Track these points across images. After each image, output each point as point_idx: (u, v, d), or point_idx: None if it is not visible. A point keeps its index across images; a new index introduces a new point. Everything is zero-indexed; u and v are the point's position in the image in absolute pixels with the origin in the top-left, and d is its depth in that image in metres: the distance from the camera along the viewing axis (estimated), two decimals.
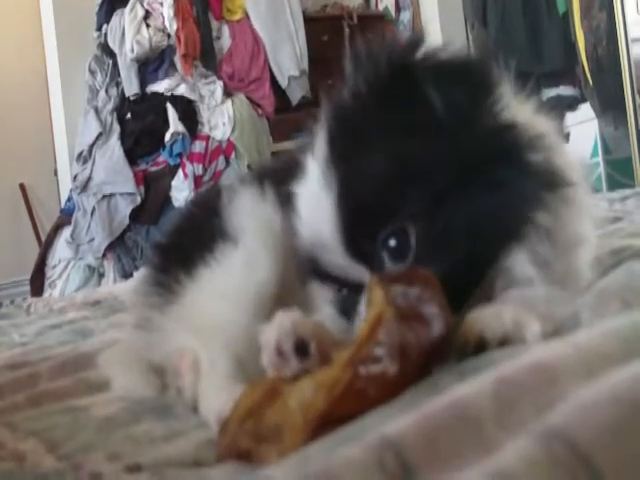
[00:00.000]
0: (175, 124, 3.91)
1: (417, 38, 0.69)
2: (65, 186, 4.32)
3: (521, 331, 0.59)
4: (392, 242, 0.65)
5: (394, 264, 0.65)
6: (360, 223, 0.66)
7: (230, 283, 0.83)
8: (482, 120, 0.66)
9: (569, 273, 0.71)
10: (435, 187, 0.64)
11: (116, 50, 4.07)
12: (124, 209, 3.85)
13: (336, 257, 0.68)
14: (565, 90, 3.97)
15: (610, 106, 3.66)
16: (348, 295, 0.71)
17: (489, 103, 0.66)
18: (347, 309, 0.71)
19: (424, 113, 0.65)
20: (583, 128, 3.69)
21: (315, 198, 0.68)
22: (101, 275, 3.88)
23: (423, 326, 0.56)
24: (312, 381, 0.56)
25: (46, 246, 4.09)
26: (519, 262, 0.66)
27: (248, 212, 0.86)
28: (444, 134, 0.64)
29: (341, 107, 0.70)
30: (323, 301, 0.75)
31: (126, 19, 4.03)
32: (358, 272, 0.68)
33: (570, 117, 3.77)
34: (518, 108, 0.69)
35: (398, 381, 0.54)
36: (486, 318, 0.60)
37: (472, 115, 0.65)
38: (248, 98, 4.26)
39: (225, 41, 4.38)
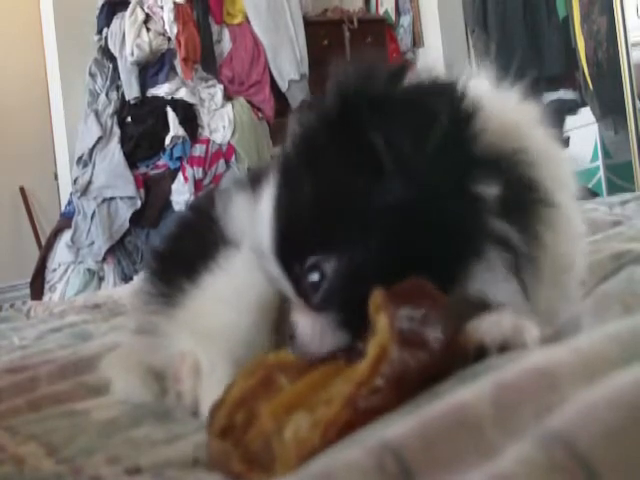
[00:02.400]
0: (175, 128, 3.92)
1: (371, 69, 0.68)
2: (65, 190, 4.32)
3: (521, 336, 0.59)
4: (312, 273, 0.65)
5: (314, 295, 0.66)
6: (288, 249, 0.67)
7: (231, 287, 0.83)
8: (421, 158, 0.62)
9: (556, 301, 0.68)
10: (364, 229, 0.63)
11: (116, 54, 4.07)
12: (124, 213, 3.85)
13: (273, 272, 0.69)
14: (565, 94, 3.98)
15: (610, 110, 3.66)
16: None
17: (439, 143, 0.61)
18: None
19: (365, 153, 0.63)
20: (583, 132, 3.70)
21: (263, 212, 0.69)
22: (101, 279, 3.88)
23: (425, 351, 0.56)
24: (309, 417, 0.55)
25: (46, 250, 4.09)
26: (489, 289, 0.63)
27: (248, 215, 0.86)
28: (382, 176, 0.62)
29: (299, 132, 0.70)
30: None
31: (126, 23, 4.03)
32: (287, 287, 0.69)
33: (570, 121, 3.78)
34: (503, 122, 0.65)
35: (394, 405, 0.54)
36: (485, 325, 0.60)
37: (416, 158, 0.62)
38: (248, 102, 4.26)
39: (225, 45, 4.38)
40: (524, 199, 0.63)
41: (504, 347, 0.58)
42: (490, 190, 0.62)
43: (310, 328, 0.67)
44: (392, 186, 0.62)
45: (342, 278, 0.64)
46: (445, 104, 0.63)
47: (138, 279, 1.13)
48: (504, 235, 0.62)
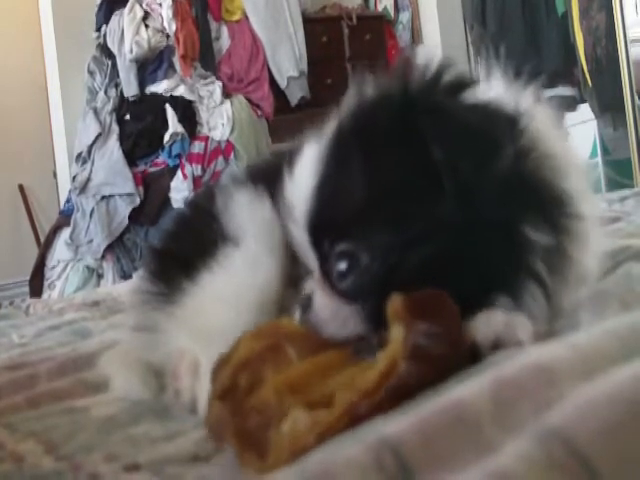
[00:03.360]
0: (174, 125, 3.91)
1: (436, 75, 0.68)
2: (64, 187, 4.31)
3: (513, 332, 0.59)
4: (343, 258, 0.66)
5: (338, 279, 0.66)
6: (323, 226, 0.67)
7: (231, 285, 0.83)
8: (483, 187, 0.62)
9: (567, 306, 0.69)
10: (406, 233, 0.63)
11: (115, 51, 4.07)
12: (123, 210, 3.85)
13: (301, 239, 0.70)
14: (564, 91, 3.97)
15: (609, 107, 3.66)
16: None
17: (492, 171, 0.62)
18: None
19: (424, 161, 0.63)
20: (582, 129, 3.70)
21: (303, 179, 0.69)
22: (100, 276, 3.88)
23: (431, 367, 0.56)
24: (308, 417, 0.55)
25: (45, 247, 4.09)
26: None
27: (248, 212, 0.86)
28: (438, 189, 0.62)
29: (359, 111, 0.69)
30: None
31: (125, 20, 4.02)
32: (311, 261, 0.69)
33: (569, 118, 3.77)
34: (551, 155, 0.66)
35: (387, 411, 0.54)
36: (476, 323, 0.60)
37: (477, 186, 0.62)
38: (247, 99, 4.26)
39: (224, 42, 4.37)
40: (560, 223, 0.65)
41: (497, 345, 0.58)
42: (542, 239, 0.63)
43: (328, 309, 0.67)
44: (447, 204, 0.62)
45: (373, 274, 0.64)
46: (511, 137, 0.63)
47: (137, 276, 1.13)
48: (540, 275, 0.63)
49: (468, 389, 0.47)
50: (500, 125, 0.64)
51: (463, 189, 0.62)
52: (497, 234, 0.63)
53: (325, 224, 0.67)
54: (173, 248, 0.94)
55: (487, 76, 0.71)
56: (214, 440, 0.61)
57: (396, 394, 0.54)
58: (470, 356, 0.58)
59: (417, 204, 0.64)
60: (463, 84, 0.68)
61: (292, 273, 0.82)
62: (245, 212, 0.86)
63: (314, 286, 0.69)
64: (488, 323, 0.60)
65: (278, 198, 0.83)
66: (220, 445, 0.60)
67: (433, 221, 0.63)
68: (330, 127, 0.70)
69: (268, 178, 0.88)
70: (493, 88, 0.69)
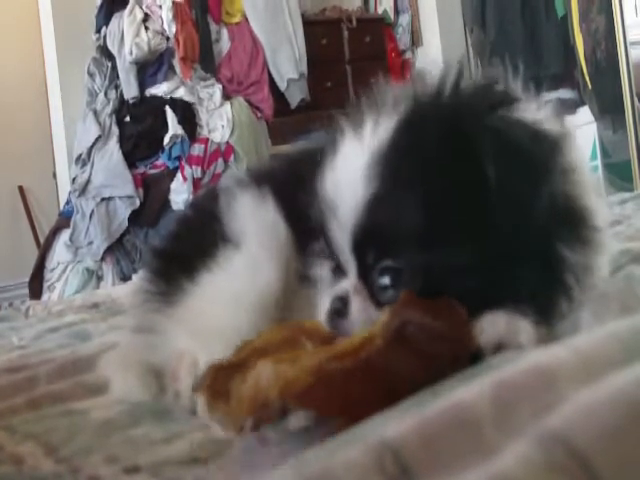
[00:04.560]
0: (174, 127, 3.92)
1: (484, 90, 0.69)
2: (64, 189, 4.31)
3: (515, 336, 0.59)
4: (388, 274, 0.65)
5: (379, 290, 0.66)
6: (374, 237, 0.66)
7: (231, 287, 0.83)
8: (530, 208, 0.63)
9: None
10: (461, 254, 0.63)
11: (115, 53, 4.07)
12: (123, 212, 3.85)
13: (341, 239, 0.68)
14: (564, 93, 3.97)
15: (609, 109, 3.66)
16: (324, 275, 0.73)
17: (542, 192, 0.63)
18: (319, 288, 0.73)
19: (477, 181, 0.63)
20: (582, 131, 3.69)
21: (350, 177, 0.68)
22: (100, 278, 3.88)
23: (424, 365, 0.56)
24: (272, 369, 0.56)
25: (45, 249, 4.08)
26: None
27: (250, 215, 0.86)
28: (487, 207, 0.62)
29: (418, 124, 0.68)
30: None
31: (125, 22, 4.03)
32: (348, 264, 0.69)
33: (569, 120, 3.76)
34: (577, 172, 0.68)
35: (382, 401, 0.53)
36: (479, 326, 0.60)
37: (521, 201, 0.63)
38: (247, 101, 4.26)
39: (224, 44, 4.38)
40: (587, 239, 0.67)
41: (499, 347, 0.58)
42: (574, 257, 0.65)
43: (365, 315, 0.66)
44: (494, 223, 0.62)
45: (415, 290, 0.63)
46: (557, 161, 0.65)
47: (137, 278, 1.13)
48: (572, 290, 0.66)
49: (468, 391, 0.47)
50: (549, 146, 0.65)
51: (516, 209, 0.62)
52: (537, 255, 0.64)
53: (374, 238, 0.66)
54: (175, 248, 0.94)
55: (521, 95, 0.71)
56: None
57: (370, 368, 0.54)
58: (472, 357, 0.58)
59: (469, 228, 0.63)
60: (507, 101, 0.68)
61: (296, 273, 0.82)
62: (247, 214, 0.86)
63: (349, 291, 0.68)
64: (492, 325, 0.60)
65: (283, 200, 0.83)
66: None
67: (482, 246, 0.62)
68: (374, 127, 0.69)
69: (272, 180, 0.88)
70: (528, 108, 0.69)
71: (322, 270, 0.74)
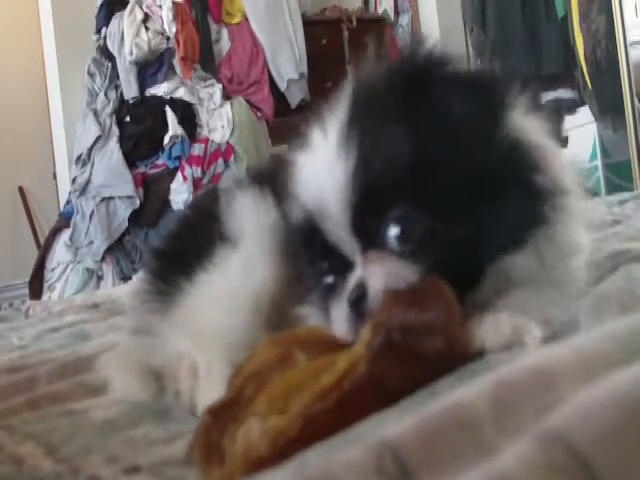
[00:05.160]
0: (174, 127, 3.91)
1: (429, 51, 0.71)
2: (64, 189, 4.32)
3: (521, 337, 0.59)
4: (399, 224, 0.65)
5: (395, 246, 0.65)
6: (371, 199, 0.66)
7: (228, 288, 0.83)
8: (495, 132, 0.66)
9: (563, 279, 0.71)
10: (450, 181, 0.64)
11: (115, 53, 4.07)
12: (123, 212, 3.85)
13: (335, 227, 0.67)
14: (564, 93, 3.97)
15: (609, 109, 3.66)
16: (328, 285, 0.71)
17: (501, 118, 0.67)
18: (326, 302, 0.71)
19: (445, 114, 0.66)
20: (582, 131, 3.70)
21: (325, 166, 0.68)
22: (100, 278, 3.88)
23: (419, 366, 0.55)
24: (260, 424, 0.54)
25: (45, 249, 4.09)
26: (518, 265, 0.67)
27: (247, 215, 0.86)
28: (462, 137, 0.65)
29: (369, 88, 0.71)
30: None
31: (125, 22, 4.03)
32: (351, 249, 0.67)
33: (569, 120, 3.77)
34: (519, 117, 0.70)
35: (377, 407, 0.52)
36: (485, 328, 0.60)
37: (486, 125, 0.66)
38: (247, 101, 4.26)
39: (224, 44, 4.38)
40: (549, 193, 0.69)
41: (505, 349, 0.58)
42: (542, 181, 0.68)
43: (386, 274, 0.64)
44: (471, 157, 0.65)
45: (426, 229, 0.64)
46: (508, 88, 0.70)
47: (137, 278, 1.13)
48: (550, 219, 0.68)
49: (468, 391, 0.47)
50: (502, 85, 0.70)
51: (485, 141, 0.66)
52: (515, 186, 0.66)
53: (369, 202, 0.66)
54: (174, 248, 0.94)
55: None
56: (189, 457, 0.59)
57: (356, 397, 0.53)
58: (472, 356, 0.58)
59: (450, 151, 0.65)
60: (449, 59, 0.71)
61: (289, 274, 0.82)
62: (245, 214, 0.86)
63: (362, 273, 0.66)
64: (496, 327, 0.59)
65: (284, 198, 0.83)
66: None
67: (470, 171, 0.64)
68: (331, 114, 0.70)
69: (272, 180, 0.88)
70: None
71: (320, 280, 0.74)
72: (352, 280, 0.67)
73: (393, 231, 0.65)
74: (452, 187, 0.64)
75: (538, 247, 0.67)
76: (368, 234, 0.66)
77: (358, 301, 0.65)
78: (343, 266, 0.68)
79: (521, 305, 0.63)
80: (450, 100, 0.66)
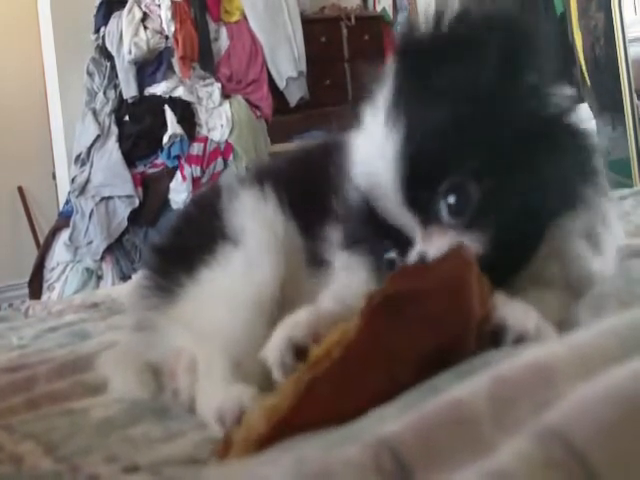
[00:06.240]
0: (173, 126, 3.91)
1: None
2: (63, 189, 4.31)
3: (539, 337, 0.58)
4: (453, 195, 0.65)
5: (452, 218, 0.65)
6: (422, 172, 0.66)
7: (230, 285, 0.83)
8: (540, 90, 0.69)
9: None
10: (499, 149, 0.64)
11: (114, 52, 4.06)
12: (122, 211, 3.84)
13: (392, 205, 0.67)
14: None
15: (608, 106, 3.66)
16: (390, 261, 0.71)
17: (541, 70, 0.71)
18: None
19: (489, 78, 0.66)
20: None
21: (376, 145, 0.68)
22: (99, 277, 3.87)
23: (427, 329, 0.54)
24: (258, 405, 0.55)
25: (44, 249, 4.08)
26: (577, 224, 0.68)
27: (249, 213, 0.86)
28: (508, 101, 0.66)
29: (409, 65, 0.71)
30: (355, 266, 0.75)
31: (124, 21, 4.02)
32: (409, 225, 0.67)
33: None
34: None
35: (390, 388, 0.53)
36: (514, 309, 0.60)
37: (529, 76, 0.69)
38: (246, 100, 4.25)
39: (223, 43, 4.37)
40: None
41: (520, 338, 0.58)
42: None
43: (445, 247, 0.64)
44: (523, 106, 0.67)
45: (490, 201, 0.64)
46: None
47: (136, 277, 1.13)
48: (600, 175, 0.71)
49: (466, 388, 0.47)
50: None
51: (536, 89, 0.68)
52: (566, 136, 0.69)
53: (421, 172, 0.66)
54: (175, 244, 0.94)
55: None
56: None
57: (350, 363, 0.53)
58: (492, 337, 0.57)
59: (498, 117, 0.66)
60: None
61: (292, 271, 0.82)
62: (247, 211, 0.86)
63: (421, 248, 0.67)
64: (524, 316, 0.59)
65: (285, 196, 0.83)
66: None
67: (517, 128, 0.65)
68: (385, 88, 0.71)
69: (275, 177, 0.88)
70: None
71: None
72: (412, 255, 0.67)
73: (448, 203, 0.65)
74: (502, 147, 0.64)
75: (591, 206, 0.69)
76: (424, 208, 0.66)
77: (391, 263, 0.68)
78: (403, 242, 0.68)
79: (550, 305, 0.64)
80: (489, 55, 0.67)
